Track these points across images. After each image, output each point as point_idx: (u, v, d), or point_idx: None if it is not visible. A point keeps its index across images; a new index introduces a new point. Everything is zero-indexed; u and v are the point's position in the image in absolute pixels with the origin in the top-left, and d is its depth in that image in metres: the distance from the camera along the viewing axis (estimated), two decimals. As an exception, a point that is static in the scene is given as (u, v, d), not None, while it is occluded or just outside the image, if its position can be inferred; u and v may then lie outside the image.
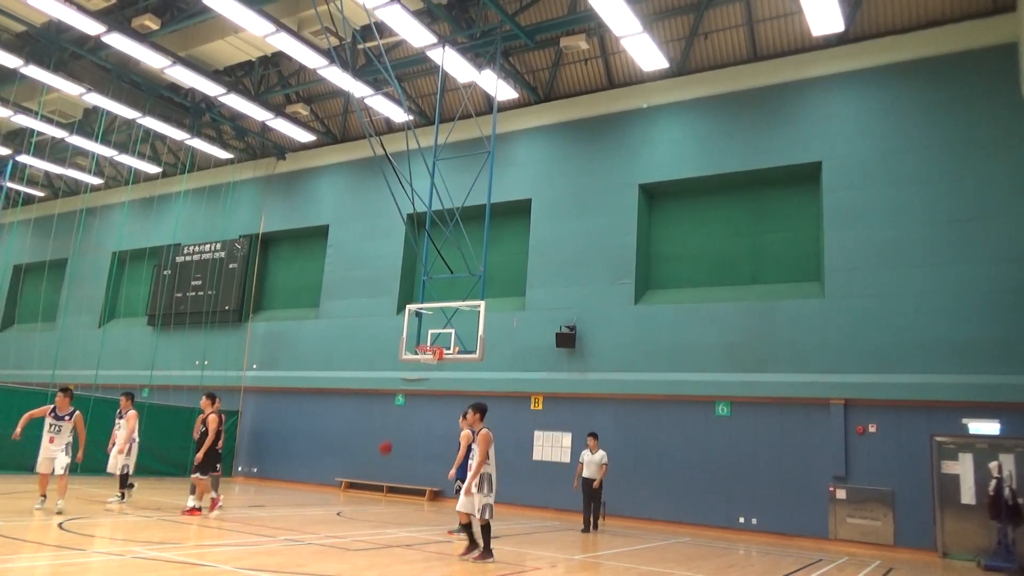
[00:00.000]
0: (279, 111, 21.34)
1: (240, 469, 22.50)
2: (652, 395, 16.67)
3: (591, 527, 13.81)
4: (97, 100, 20.40)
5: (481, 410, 9.12)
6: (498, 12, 16.24)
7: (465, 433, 12.18)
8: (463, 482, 12.04)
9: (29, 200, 31.15)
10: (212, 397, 12.51)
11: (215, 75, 19.88)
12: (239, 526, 11.16)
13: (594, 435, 14.33)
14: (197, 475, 11.95)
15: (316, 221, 23.48)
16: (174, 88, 21.96)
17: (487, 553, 8.80)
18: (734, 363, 15.93)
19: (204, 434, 12.12)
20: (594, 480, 13.92)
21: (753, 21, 16.89)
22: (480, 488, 8.71)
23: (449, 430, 18.93)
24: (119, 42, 17.15)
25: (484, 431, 8.91)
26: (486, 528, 8.74)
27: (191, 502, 11.99)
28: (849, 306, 15.08)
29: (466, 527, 9.03)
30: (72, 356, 25.19)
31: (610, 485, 16.72)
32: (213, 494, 12.34)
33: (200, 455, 11.89)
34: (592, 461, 14.03)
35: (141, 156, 25.01)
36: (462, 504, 8.95)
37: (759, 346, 15.78)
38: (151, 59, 17.95)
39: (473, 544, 9.00)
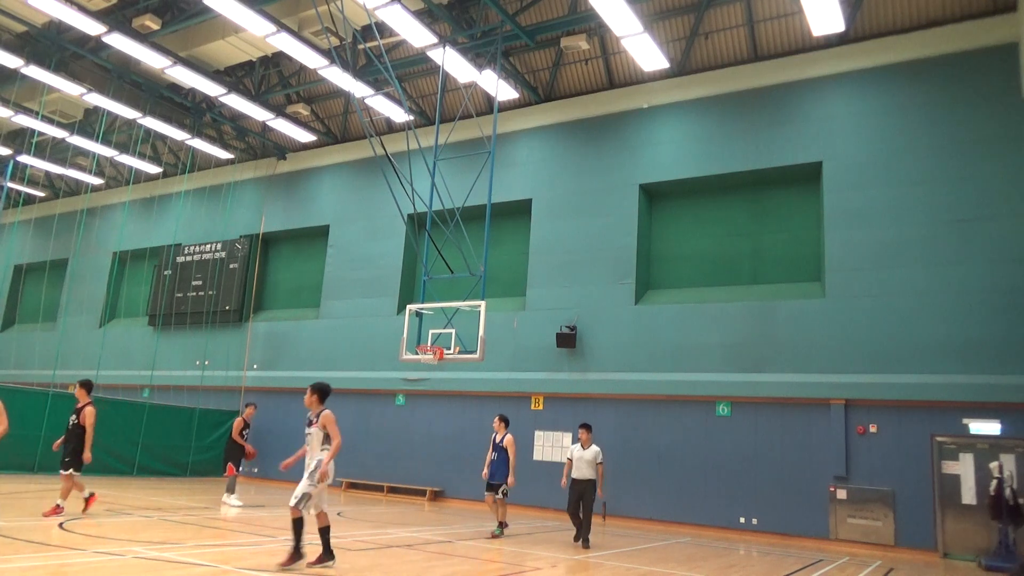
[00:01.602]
0: (280, 111, 21.35)
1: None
2: (652, 395, 16.66)
3: (585, 538, 11.43)
4: (98, 100, 20.41)
5: (319, 391, 7.98)
6: (499, 12, 16.24)
7: (509, 438, 12.13)
8: (500, 482, 11.93)
9: (30, 200, 31.18)
10: (87, 386, 10.98)
11: (216, 75, 19.90)
12: (240, 526, 11.17)
13: (586, 427, 12.03)
14: (71, 472, 10.55)
15: (317, 221, 23.49)
16: (175, 88, 21.97)
17: (327, 555, 7.58)
18: (735, 363, 15.93)
19: (76, 427, 10.68)
20: (585, 481, 11.59)
21: (754, 21, 16.89)
22: (312, 475, 7.53)
23: (450, 430, 19.01)
24: (120, 42, 17.16)
25: (328, 411, 7.86)
26: (298, 523, 7.51)
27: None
28: (850, 306, 15.07)
29: (322, 531, 7.69)
30: (73, 356, 25.21)
31: (610, 485, 16.77)
32: (86, 493, 10.93)
33: (87, 453, 10.54)
34: (583, 458, 11.69)
35: (142, 156, 25.04)
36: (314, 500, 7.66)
37: (760, 346, 15.78)
38: (152, 59, 17.97)
39: (326, 551, 7.65)
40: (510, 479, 11.90)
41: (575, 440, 16.32)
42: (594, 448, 11.81)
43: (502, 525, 12.08)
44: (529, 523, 14.79)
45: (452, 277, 15.50)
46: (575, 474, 11.74)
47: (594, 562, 9.89)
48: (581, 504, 11.56)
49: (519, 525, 14.12)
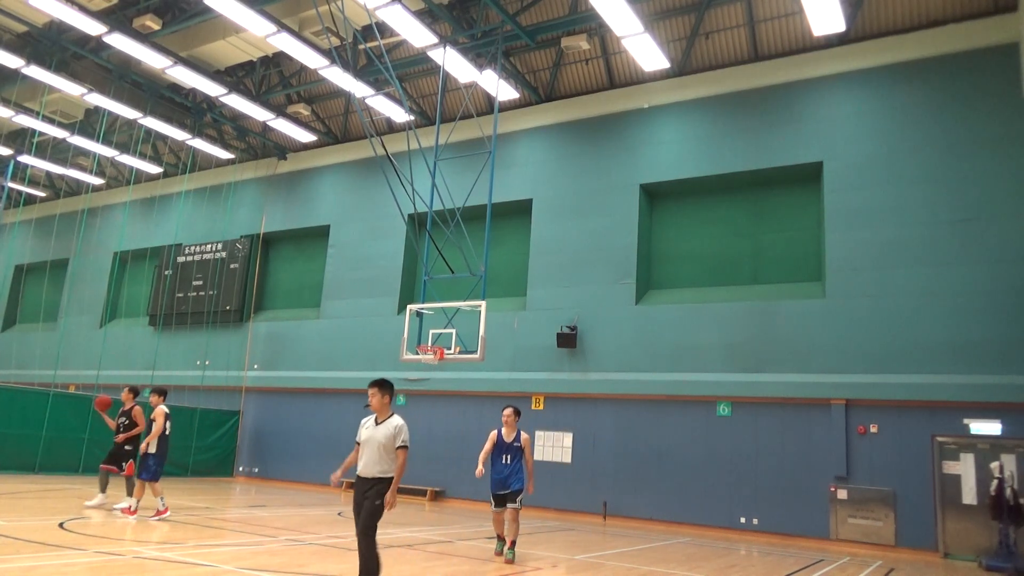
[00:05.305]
0: (280, 111, 21.35)
1: (241, 469, 22.50)
2: (653, 395, 16.66)
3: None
4: (98, 100, 20.42)
5: None
6: (499, 12, 16.24)
7: (525, 437, 9.63)
8: (519, 489, 9.45)
9: (31, 200, 31.20)
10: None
11: (216, 75, 19.89)
12: (240, 526, 11.17)
13: (381, 384, 6.46)
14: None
15: (317, 221, 23.49)
16: (175, 88, 21.97)
17: None
18: (735, 363, 15.93)
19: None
20: (372, 480, 6.27)
21: (754, 21, 16.88)
22: None
23: (450, 430, 19.00)
24: (120, 42, 17.16)
25: None
26: None
27: None
28: (850, 306, 15.07)
29: None
30: (73, 356, 25.23)
31: (611, 485, 16.76)
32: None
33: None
34: (374, 439, 6.33)
35: (142, 156, 25.04)
36: None
37: (760, 346, 15.77)
38: (152, 59, 17.97)
39: None
40: (530, 487, 9.62)
41: (579, 443, 15.20)
42: (394, 421, 6.40)
43: (510, 543, 9.49)
44: (529, 523, 14.78)
45: (452, 277, 15.50)
46: (360, 468, 6.40)
47: (595, 562, 9.89)
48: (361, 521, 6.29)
49: (520, 525, 14.11)
